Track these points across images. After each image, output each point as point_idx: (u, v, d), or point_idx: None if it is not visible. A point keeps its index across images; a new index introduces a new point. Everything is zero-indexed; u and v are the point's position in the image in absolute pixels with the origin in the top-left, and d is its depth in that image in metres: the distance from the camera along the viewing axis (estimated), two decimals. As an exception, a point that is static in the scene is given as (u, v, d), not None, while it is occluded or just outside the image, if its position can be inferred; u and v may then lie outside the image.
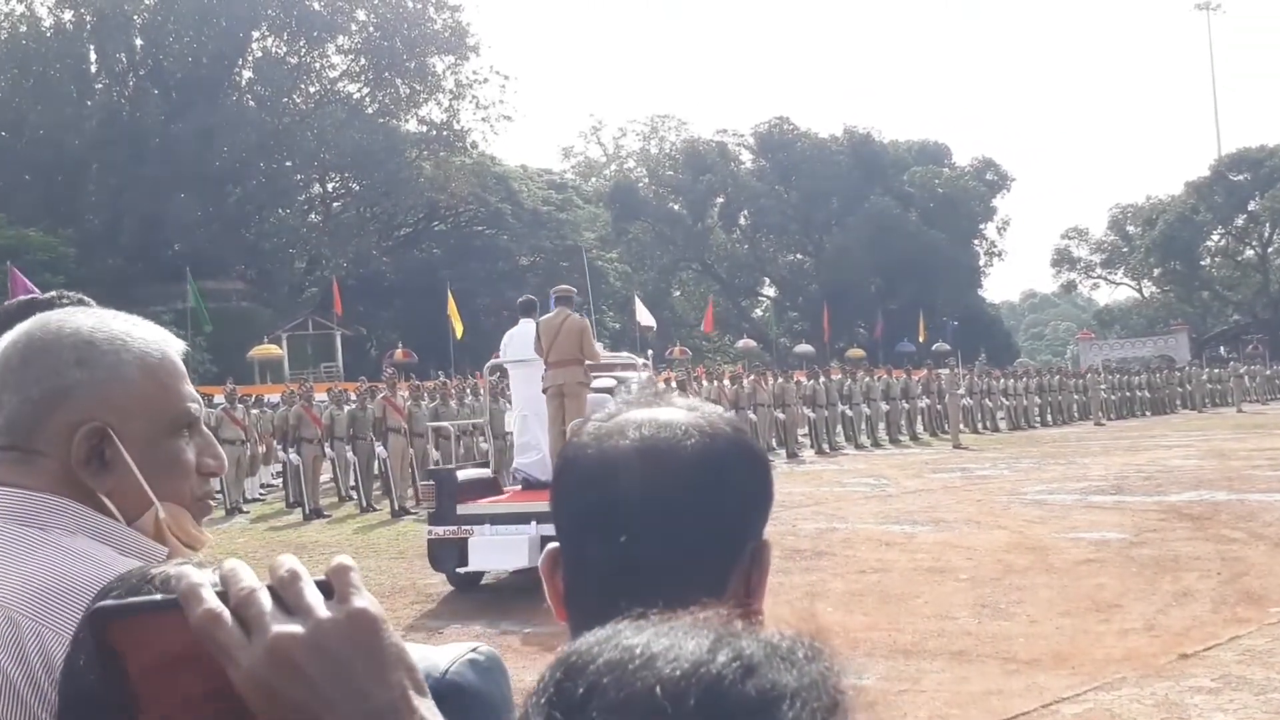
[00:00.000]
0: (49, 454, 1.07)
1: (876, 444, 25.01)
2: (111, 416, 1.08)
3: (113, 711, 0.69)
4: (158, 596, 0.71)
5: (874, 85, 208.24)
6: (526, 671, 5.29)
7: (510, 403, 13.61)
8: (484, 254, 48.39)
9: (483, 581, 9.94)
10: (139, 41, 44.26)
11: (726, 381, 24.59)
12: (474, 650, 0.93)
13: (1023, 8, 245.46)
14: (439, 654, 0.91)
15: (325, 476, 17.05)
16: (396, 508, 15.30)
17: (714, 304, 48.93)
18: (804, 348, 48.96)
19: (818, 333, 49.93)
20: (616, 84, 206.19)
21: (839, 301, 51.23)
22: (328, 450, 16.58)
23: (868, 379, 26.42)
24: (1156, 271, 61.79)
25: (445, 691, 0.85)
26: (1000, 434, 27.75)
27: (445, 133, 48.25)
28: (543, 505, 8.81)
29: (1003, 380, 31.26)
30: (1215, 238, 61.08)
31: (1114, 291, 71.33)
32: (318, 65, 47.92)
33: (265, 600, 0.64)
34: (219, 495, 14.38)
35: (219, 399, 17.57)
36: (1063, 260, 65.27)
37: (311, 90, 48.21)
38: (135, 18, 43.35)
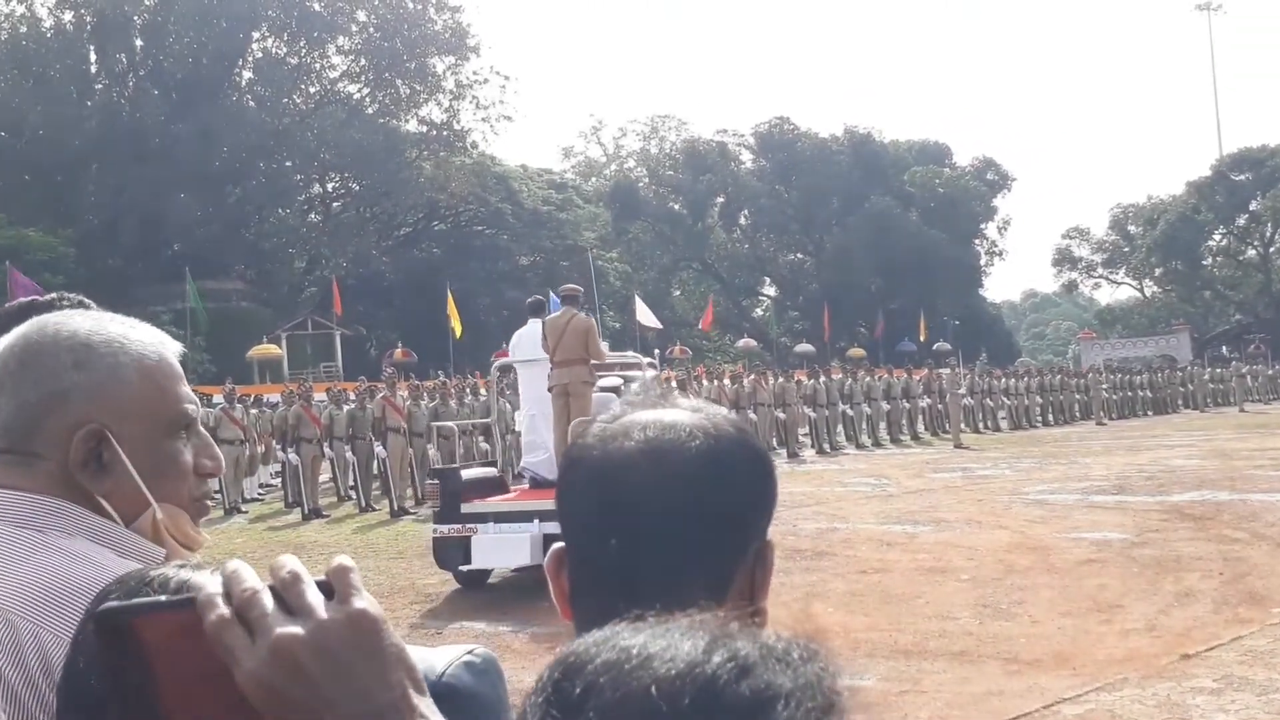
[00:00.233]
0: (47, 456, 1.07)
1: (877, 444, 25.00)
2: (109, 419, 1.08)
3: (121, 709, 0.69)
4: (169, 597, 0.72)
5: (874, 85, 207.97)
6: (526, 672, 5.29)
7: (512, 402, 13.66)
8: (484, 254, 48.45)
9: (489, 580, 9.96)
10: (139, 42, 44.27)
11: (727, 381, 24.59)
12: (470, 652, 0.93)
13: (1023, 8, 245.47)
14: (435, 656, 0.92)
15: (324, 476, 17.06)
16: (395, 508, 15.31)
17: (714, 303, 48.94)
18: (804, 347, 48.97)
19: (818, 332, 49.95)
20: (616, 84, 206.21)
21: (839, 301, 51.26)
22: (327, 450, 16.60)
23: (868, 378, 26.40)
24: (1158, 271, 61.83)
25: (441, 693, 0.85)
26: (1001, 434, 27.72)
27: (445, 133, 48.27)
28: (545, 504, 8.84)
29: (1004, 380, 31.25)
30: (1217, 237, 61.11)
31: (1115, 291, 71.54)
32: (318, 65, 47.96)
33: (268, 601, 0.65)
34: (217, 495, 14.40)
35: (218, 399, 17.56)
36: (1064, 260, 65.30)
37: (311, 90, 48.25)
38: (135, 18, 43.34)
